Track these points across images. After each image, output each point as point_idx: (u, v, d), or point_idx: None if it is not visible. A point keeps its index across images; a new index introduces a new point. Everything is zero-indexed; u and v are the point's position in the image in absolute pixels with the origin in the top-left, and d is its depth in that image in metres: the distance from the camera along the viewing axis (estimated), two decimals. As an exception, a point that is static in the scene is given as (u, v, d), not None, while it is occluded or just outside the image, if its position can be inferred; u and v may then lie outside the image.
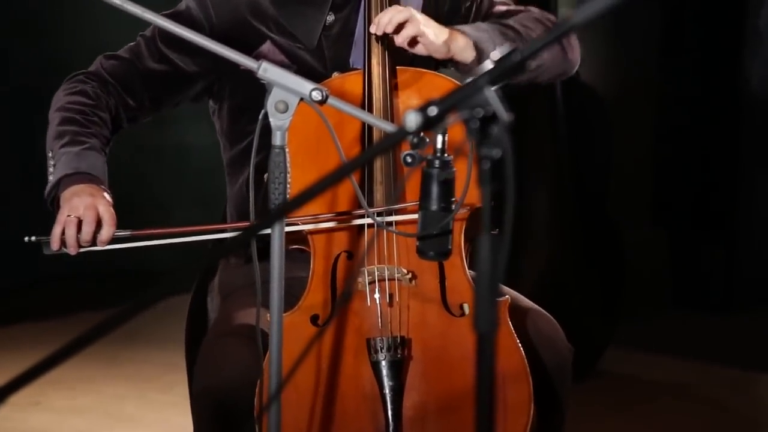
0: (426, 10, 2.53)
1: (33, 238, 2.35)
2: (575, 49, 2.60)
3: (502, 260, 1.46)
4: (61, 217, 2.32)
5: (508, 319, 2.31)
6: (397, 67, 2.43)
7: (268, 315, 2.09)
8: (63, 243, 2.31)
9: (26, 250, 5.42)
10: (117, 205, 5.81)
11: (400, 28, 2.39)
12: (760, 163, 5.32)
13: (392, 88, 2.40)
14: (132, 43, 2.56)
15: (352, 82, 2.41)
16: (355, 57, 2.52)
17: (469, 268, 2.36)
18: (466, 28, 2.47)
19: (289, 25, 2.50)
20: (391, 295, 2.31)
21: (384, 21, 2.38)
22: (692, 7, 5.34)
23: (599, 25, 5.17)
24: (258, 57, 2.46)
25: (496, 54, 2.39)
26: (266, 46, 2.51)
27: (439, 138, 2.26)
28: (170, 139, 5.75)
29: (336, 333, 2.29)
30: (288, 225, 2.27)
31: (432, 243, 2.21)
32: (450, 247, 2.21)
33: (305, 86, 2.11)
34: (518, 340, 2.30)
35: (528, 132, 4.36)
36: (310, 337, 2.27)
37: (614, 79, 5.18)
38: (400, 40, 2.39)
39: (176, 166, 5.81)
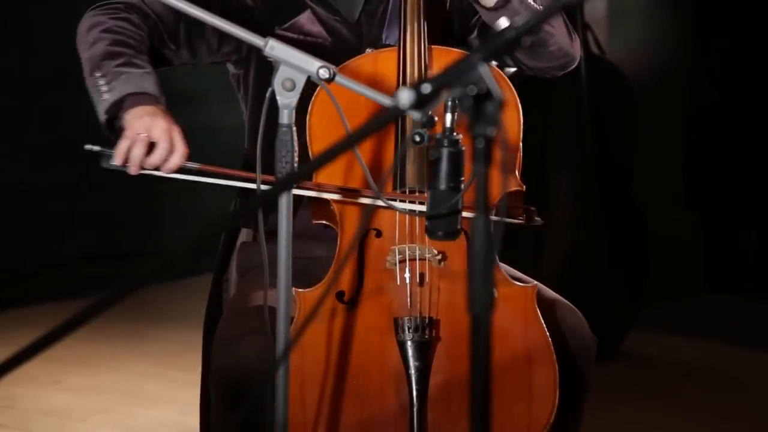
0: None
1: (95, 148, 2.27)
2: (577, 42, 2.53)
3: (497, 242, 1.44)
4: (131, 133, 2.23)
5: (536, 306, 2.30)
6: (432, 46, 2.39)
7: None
8: (126, 160, 2.24)
9: (50, 234, 5.45)
10: (143, 187, 5.82)
11: None
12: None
13: (426, 66, 2.36)
14: None
15: (386, 58, 2.38)
16: (388, 34, 2.48)
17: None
18: None
19: None
20: (422, 275, 2.29)
21: None
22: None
23: (631, 4, 5.11)
24: (296, 25, 2.45)
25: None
26: (305, 15, 2.47)
27: (448, 117, 2.24)
28: (197, 120, 5.75)
29: (363, 310, 2.28)
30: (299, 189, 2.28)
31: (441, 222, 2.19)
32: (459, 226, 2.19)
33: (313, 64, 2.09)
34: (546, 328, 2.29)
35: (551, 113, 4.32)
36: (335, 314, 2.25)
37: (647, 59, 5.13)
38: None
39: (204, 147, 5.81)
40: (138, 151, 2.23)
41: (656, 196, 5.10)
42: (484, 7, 2.39)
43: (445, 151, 2.16)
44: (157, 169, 2.27)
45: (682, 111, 5.38)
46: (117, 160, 2.25)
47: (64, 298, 4.89)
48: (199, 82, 5.74)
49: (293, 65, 2.10)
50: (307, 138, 2.32)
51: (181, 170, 2.29)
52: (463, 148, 2.16)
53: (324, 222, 2.37)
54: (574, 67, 2.54)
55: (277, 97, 2.09)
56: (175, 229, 5.79)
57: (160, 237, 5.70)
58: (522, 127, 2.38)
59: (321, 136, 2.31)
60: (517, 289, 2.31)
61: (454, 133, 2.22)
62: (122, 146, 2.24)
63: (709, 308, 5.13)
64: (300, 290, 2.25)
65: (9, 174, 5.24)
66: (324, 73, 2.09)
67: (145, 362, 4.32)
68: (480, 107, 1.43)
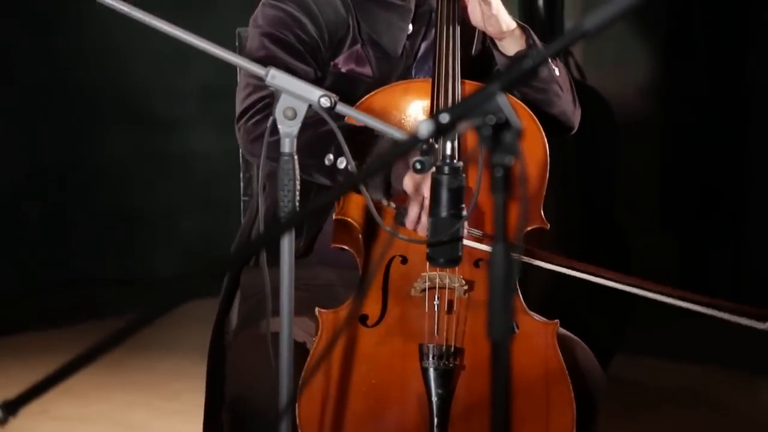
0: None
1: (392, 205, 2.29)
2: (579, 111, 2.62)
3: (516, 268, 1.46)
4: (420, 197, 2.26)
5: (556, 342, 2.33)
6: (465, 81, 2.41)
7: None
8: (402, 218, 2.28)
9: (26, 261, 5.45)
10: (124, 213, 5.77)
11: None
12: (768, 165, 5.31)
13: (459, 98, 2.37)
14: (261, 53, 2.45)
15: (417, 89, 2.41)
16: (418, 69, 2.53)
17: None
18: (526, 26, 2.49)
19: (373, 32, 2.50)
20: (449, 303, 2.31)
21: None
22: (697, 6, 5.34)
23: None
24: (344, 59, 2.48)
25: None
26: (354, 50, 2.50)
27: (449, 144, 2.26)
28: (175, 147, 5.76)
29: (386, 335, 2.30)
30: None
31: (442, 250, 2.20)
32: (460, 254, 2.21)
33: (314, 92, 2.10)
34: (564, 363, 2.32)
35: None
36: (358, 337, 2.27)
37: (619, 82, 5.17)
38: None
39: (182, 174, 5.82)
40: (422, 217, 2.27)
41: (632, 218, 5.14)
42: (504, 55, 2.45)
43: (445, 179, 2.19)
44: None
45: (655, 132, 5.43)
46: (410, 226, 2.29)
47: (44, 327, 4.88)
48: (177, 108, 5.75)
49: (294, 94, 2.11)
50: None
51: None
52: (464, 175, 2.19)
53: (343, 246, 2.38)
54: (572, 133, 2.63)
55: (279, 126, 2.10)
56: (151, 256, 5.78)
57: (139, 265, 5.69)
58: (548, 165, 2.41)
59: None
60: (539, 324, 2.35)
61: (455, 161, 2.25)
62: (413, 213, 2.28)
63: (686, 330, 5.15)
64: (323, 311, 2.27)
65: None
66: (325, 102, 2.10)
67: (131, 391, 4.30)
68: (498, 136, 1.45)
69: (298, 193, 2.11)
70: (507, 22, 2.43)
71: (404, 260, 2.33)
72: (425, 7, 2.55)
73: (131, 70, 5.63)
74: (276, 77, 2.11)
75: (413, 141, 1.45)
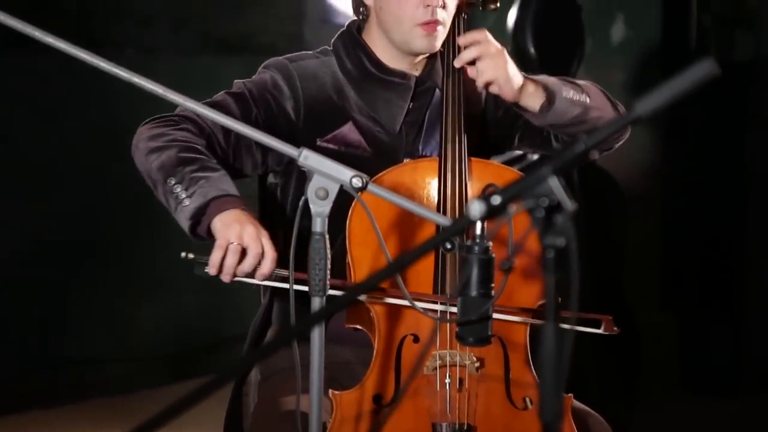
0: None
1: (190, 256, 2.30)
2: (622, 109, 2.61)
3: (568, 349, 1.47)
4: (223, 242, 2.24)
5: (571, 417, 2.33)
6: (472, 159, 2.44)
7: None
8: (219, 269, 2.25)
9: (28, 338, 5.42)
10: (126, 290, 5.71)
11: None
12: (767, 245, 5.34)
13: (466, 177, 2.41)
14: (218, 99, 2.51)
15: (425, 168, 2.43)
16: (425, 145, 2.55)
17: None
18: (536, 77, 2.49)
19: (371, 110, 2.52)
20: (460, 381, 2.31)
21: (467, 57, 2.41)
22: (696, 89, 5.38)
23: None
24: (337, 137, 2.51)
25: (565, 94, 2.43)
26: (347, 127, 2.53)
27: (478, 224, 2.28)
28: (178, 222, 5.76)
29: (401, 415, 2.29)
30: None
31: (472, 329, 2.21)
32: (490, 333, 2.21)
33: (345, 173, 2.11)
34: None
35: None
36: (373, 416, 2.27)
37: (620, 164, 5.22)
38: (479, 81, 2.41)
39: (185, 250, 5.81)
40: (232, 261, 2.23)
41: (633, 298, 5.16)
42: (531, 112, 2.46)
43: (475, 258, 2.20)
44: (250, 276, 2.27)
45: (655, 213, 5.46)
46: (212, 270, 2.26)
47: (48, 405, 4.84)
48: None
49: (326, 174, 2.13)
50: (347, 240, 2.35)
51: (275, 277, 2.29)
52: (494, 255, 2.20)
53: (356, 326, 2.39)
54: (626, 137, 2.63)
55: (310, 206, 2.11)
56: (154, 333, 5.75)
57: (141, 341, 5.67)
58: None
59: (361, 239, 2.33)
60: None
61: (484, 240, 2.27)
62: (216, 256, 2.24)
63: (687, 410, 5.15)
64: (336, 392, 2.26)
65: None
66: (357, 182, 2.11)
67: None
68: (550, 218, 1.47)
69: (329, 272, 2.12)
70: (518, 77, 2.42)
71: (416, 339, 2.34)
72: (429, 83, 2.57)
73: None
74: (308, 158, 2.13)
75: (465, 222, 1.47)
